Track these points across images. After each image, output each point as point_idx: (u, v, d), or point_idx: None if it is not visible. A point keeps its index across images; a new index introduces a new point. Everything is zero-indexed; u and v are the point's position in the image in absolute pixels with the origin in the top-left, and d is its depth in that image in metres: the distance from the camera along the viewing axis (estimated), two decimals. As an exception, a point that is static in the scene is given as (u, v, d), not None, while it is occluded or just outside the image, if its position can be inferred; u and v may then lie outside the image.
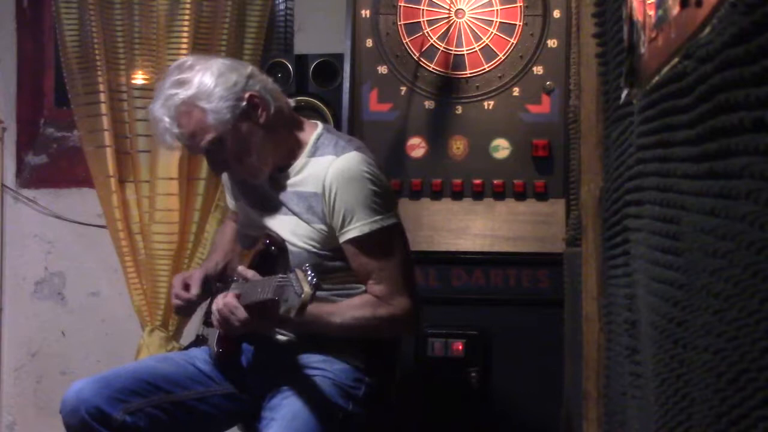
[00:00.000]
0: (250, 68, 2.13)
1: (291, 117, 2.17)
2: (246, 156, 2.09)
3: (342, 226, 2.05)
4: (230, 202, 2.38)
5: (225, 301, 1.99)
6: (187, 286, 2.24)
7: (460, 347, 2.74)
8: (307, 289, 1.75)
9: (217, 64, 2.09)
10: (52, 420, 2.15)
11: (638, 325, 1.15)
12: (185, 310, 2.33)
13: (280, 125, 2.12)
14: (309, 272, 1.78)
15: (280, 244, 2.09)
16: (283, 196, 2.13)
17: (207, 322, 2.29)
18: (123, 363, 2.38)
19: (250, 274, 2.03)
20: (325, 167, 2.07)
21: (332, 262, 2.09)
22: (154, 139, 3.19)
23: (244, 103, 2.06)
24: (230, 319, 1.98)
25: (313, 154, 2.12)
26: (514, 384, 2.74)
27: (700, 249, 0.80)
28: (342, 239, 2.06)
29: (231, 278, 2.23)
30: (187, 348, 2.36)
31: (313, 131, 2.16)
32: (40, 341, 3.80)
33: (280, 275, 1.87)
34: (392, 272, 2.08)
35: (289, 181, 2.12)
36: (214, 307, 2.04)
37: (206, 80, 2.04)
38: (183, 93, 2.04)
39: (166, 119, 2.05)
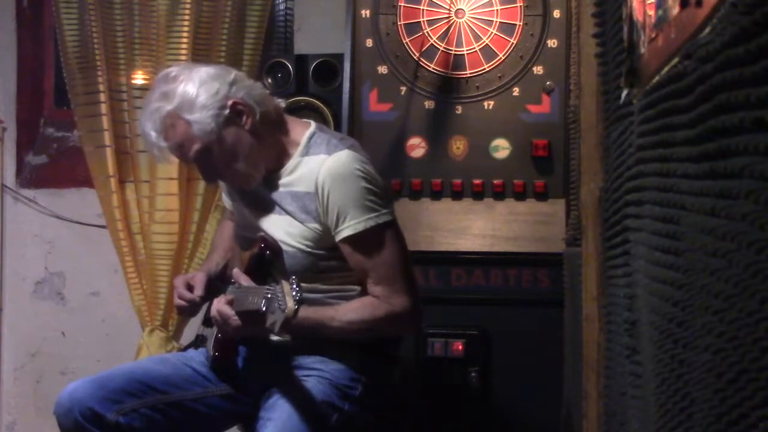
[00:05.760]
0: (233, 74, 2.11)
1: (280, 120, 2.16)
2: (234, 163, 2.08)
3: (336, 225, 2.05)
4: (227, 202, 2.39)
5: (218, 308, 2.00)
6: (190, 287, 2.24)
7: (460, 347, 2.74)
8: (290, 304, 1.74)
9: (200, 73, 2.08)
10: (52, 420, 2.14)
11: (638, 325, 1.15)
12: (188, 311, 2.32)
13: (268, 129, 2.11)
14: (294, 285, 1.77)
15: (275, 248, 2.09)
16: (277, 196, 2.13)
17: (206, 321, 2.29)
18: (123, 363, 2.38)
19: (243, 279, 2.03)
20: (318, 166, 2.06)
21: (327, 262, 2.10)
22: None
23: (227, 111, 2.05)
24: (224, 326, 2.01)
25: (305, 153, 2.11)
26: (514, 384, 2.74)
27: (700, 249, 0.80)
28: (337, 238, 2.06)
29: (230, 279, 2.23)
30: (185, 348, 2.36)
31: (305, 131, 2.15)
32: (40, 341, 3.80)
33: (268, 287, 1.86)
34: (389, 270, 2.08)
35: (282, 181, 2.12)
36: (212, 311, 2.05)
37: (189, 90, 2.04)
38: (167, 106, 2.04)
39: (153, 133, 2.06)
